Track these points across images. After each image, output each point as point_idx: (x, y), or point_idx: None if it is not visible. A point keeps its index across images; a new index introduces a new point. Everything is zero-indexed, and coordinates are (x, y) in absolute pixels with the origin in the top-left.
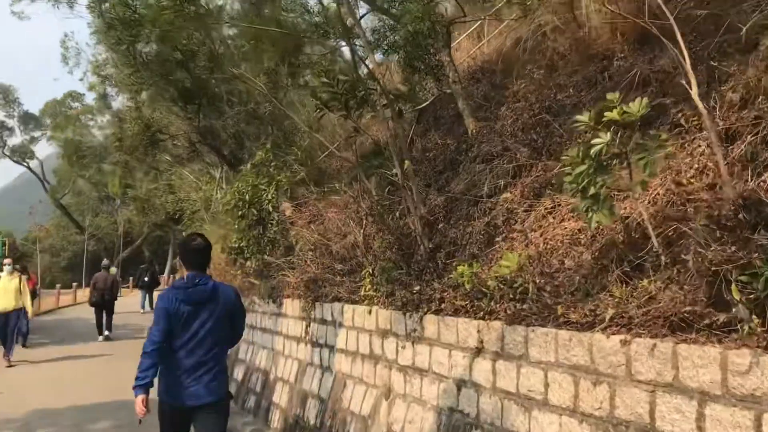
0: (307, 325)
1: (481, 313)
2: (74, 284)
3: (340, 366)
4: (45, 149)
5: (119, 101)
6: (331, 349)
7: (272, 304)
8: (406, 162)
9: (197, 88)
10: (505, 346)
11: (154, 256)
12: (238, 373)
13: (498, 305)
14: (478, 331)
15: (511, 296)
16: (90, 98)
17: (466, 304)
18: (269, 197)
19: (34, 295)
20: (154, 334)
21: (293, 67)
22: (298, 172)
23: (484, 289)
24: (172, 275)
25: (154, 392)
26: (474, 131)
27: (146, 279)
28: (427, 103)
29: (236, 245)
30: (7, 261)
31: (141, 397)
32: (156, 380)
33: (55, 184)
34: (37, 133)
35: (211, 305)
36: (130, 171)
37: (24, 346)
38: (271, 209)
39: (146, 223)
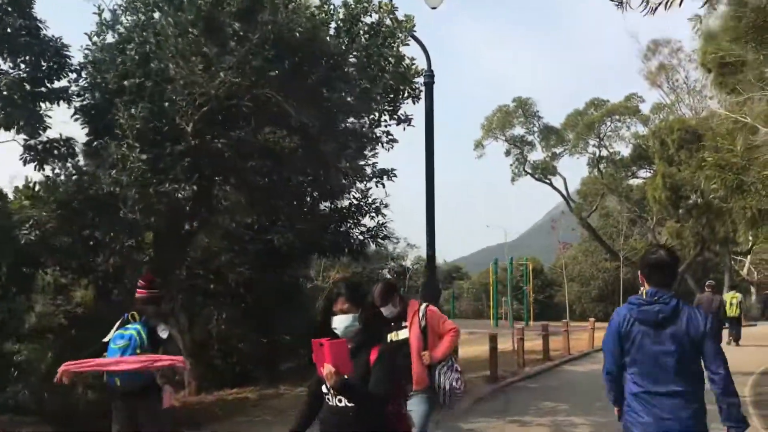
0: None
1: None
2: None
3: None
4: (568, 166)
5: None
6: None
7: None
8: None
9: None
10: None
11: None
12: None
13: None
14: None
15: None
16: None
17: None
18: None
19: None
20: (605, 354)
21: None
22: None
23: None
24: None
25: None
26: None
27: None
28: None
29: None
30: None
31: (616, 408)
32: None
33: (581, 201)
34: (558, 149)
35: (671, 328)
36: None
37: None
38: None
39: (697, 240)
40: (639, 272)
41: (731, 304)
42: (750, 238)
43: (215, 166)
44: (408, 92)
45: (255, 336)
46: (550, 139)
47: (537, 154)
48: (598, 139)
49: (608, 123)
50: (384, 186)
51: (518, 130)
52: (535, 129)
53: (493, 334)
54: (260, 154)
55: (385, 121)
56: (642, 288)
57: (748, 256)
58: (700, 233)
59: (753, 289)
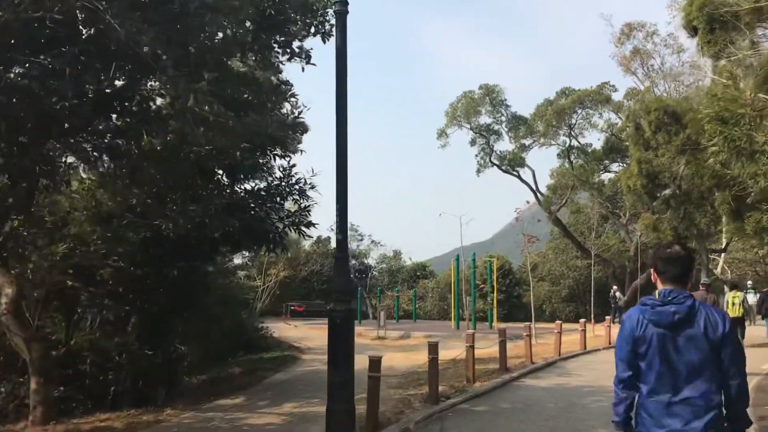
0: None
1: None
2: (582, 320)
3: None
4: (537, 161)
5: None
6: None
7: None
8: None
9: None
10: None
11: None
12: None
13: None
14: None
15: None
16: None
17: None
18: None
19: None
20: (617, 363)
21: None
22: None
23: None
24: None
25: None
26: None
27: None
28: None
29: None
30: None
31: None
32: None
33: (550, 195)
34: (527, 140)
35: (688, 330)
36: None
37: None
38: None
39: (674, 234)
40: (651, 269)
41: (733, 303)
42: (725, 231)
43: (31, 112)
44: (316, 28)
45: (143, 346)
46: (518, 130)
47: (504, 145)
48: (568, 128)
49: (579, 111)
50: (277, 157)
51: (484, 119)
52: (503, 118)
53: (434, 343)
54: (103, 103)
55: (277, 55)
56: (614, 287)
57: (722, 255)
58: (677, 227)
59: (726, 289)
